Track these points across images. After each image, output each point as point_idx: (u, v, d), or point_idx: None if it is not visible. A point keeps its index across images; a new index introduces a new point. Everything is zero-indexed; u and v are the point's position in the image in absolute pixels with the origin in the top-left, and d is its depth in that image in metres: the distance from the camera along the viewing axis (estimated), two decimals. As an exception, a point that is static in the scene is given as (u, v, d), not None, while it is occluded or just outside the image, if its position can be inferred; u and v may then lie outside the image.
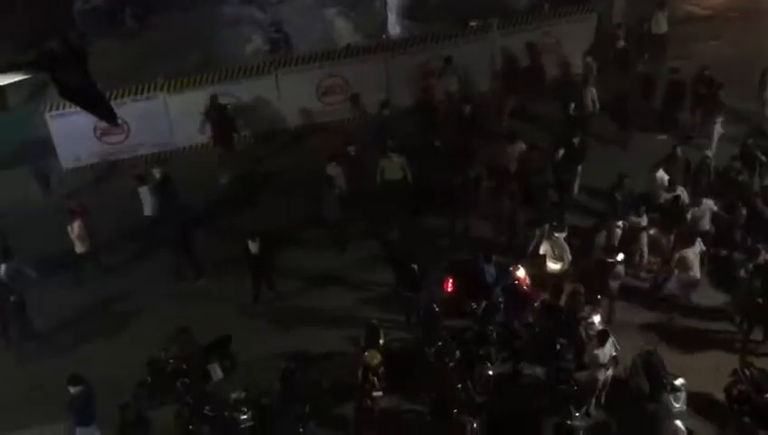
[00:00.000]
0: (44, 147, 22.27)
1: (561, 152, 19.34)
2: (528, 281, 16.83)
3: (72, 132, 22.01)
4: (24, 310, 17.04)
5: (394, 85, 23.13)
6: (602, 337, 14.73)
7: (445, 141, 20.66)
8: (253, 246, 17.32)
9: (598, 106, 21.44)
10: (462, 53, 23.38)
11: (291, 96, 23.25)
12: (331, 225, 19.09)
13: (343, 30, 27.74)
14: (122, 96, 21.89)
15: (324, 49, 24.45)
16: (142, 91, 22.38)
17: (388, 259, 18.00)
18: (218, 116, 21.81)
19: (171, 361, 15.81)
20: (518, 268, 16.91)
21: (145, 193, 19.26)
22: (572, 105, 21.18)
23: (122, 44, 26.63)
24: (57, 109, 21.73)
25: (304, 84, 23.30)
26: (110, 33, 26.85)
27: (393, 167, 19.45)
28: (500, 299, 16.42)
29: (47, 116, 21.98)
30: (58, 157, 22.44)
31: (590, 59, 22.89)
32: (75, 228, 18.30)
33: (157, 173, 19.56)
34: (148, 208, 19.30)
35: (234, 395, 15.01)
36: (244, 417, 14.78)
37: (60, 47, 5.63)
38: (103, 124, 21.84)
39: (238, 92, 22.84)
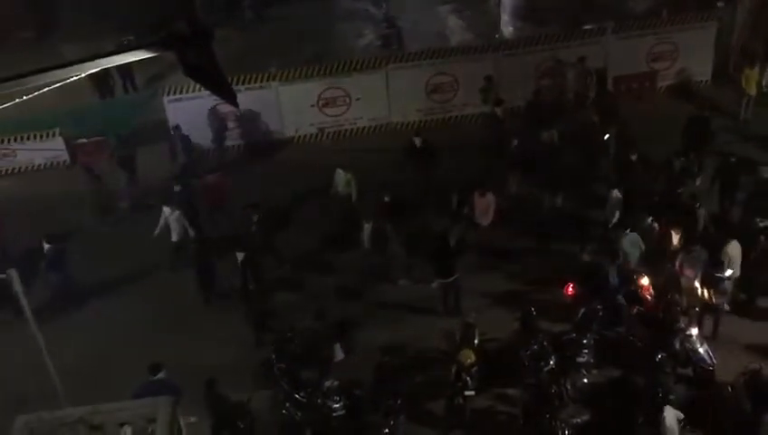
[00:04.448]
0: (161, 129, 23.02)
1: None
2: (652, 289, 16.43)
3: (187, 117, 22.70)
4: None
5: (505, 85, 22.92)
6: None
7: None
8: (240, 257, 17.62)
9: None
10: (574, 55, 23.13)
11: (400, 92, 23.40)
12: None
13: (456, 28, 27.78)
14: (236, 84, 22.30)
15: (436, 46, 24.50)
16: (255, 81, 22.91)
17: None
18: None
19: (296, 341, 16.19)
20: (642, 275, 16.54)
21: None
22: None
23: (240, 35, 27.27)
24: (174, 94, 22.47)
25: (414, 81, 23.43)
26: (229, 24, 27.54)
27: (341, 181, 19.84)
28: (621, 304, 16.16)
29: (165, 100, 22.74)
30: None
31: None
32: None
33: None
34: None
35: (327, 383, 15.19)
36: (337, 405, 14.96)
37: (187, 28, 5.84)
38: (217, 110, 22.56)
39: (348, 86, 23.15)
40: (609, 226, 18.36)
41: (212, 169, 21.23)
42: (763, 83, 22.03)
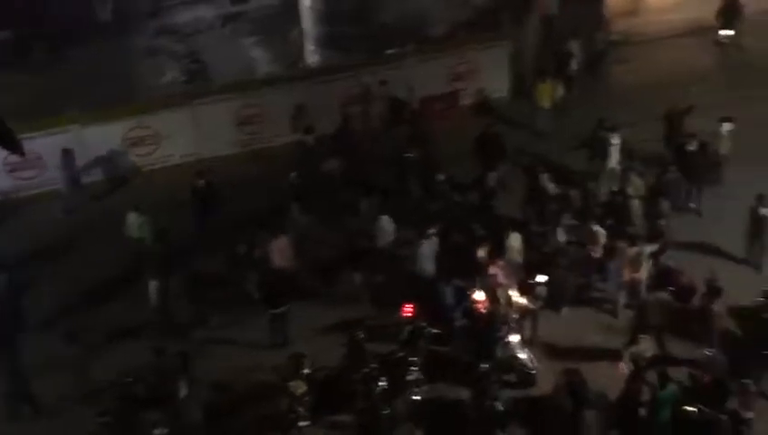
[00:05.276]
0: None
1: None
2: (487, 304, 16.70)
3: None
4: None
5: (314, 114, 23.01)
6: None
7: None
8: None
9: None
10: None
11: (208, 126, 23.10)
12: None
13: (261, 59, 27.78)
14: (33, 131, 20.88)
15: (242, 78, 24.41)
16: (55, 125, 21.90)
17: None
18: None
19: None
20: (475, 291, 16.82)
21: None
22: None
23: (32, 78, 26.00)
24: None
25: (222, 114, 23.21)
26: (19, 67, 26.22)
27: (134, 224, 19.18)
28: (460, 322, 16.56)
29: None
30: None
31: None
32: None
33: None
34: None
35: (157, 431, 14.62)
36: (169, 453, 14.46)
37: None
38: (13, 159, 21.30)
39: (154, 124, 22.59)
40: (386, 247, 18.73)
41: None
42: (556, 97, 23.37)
